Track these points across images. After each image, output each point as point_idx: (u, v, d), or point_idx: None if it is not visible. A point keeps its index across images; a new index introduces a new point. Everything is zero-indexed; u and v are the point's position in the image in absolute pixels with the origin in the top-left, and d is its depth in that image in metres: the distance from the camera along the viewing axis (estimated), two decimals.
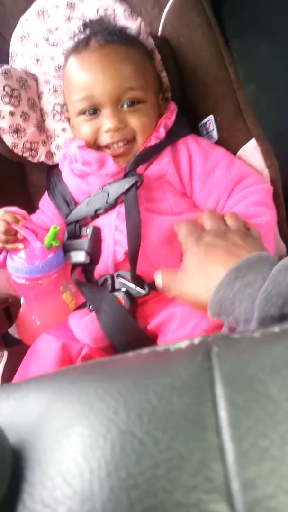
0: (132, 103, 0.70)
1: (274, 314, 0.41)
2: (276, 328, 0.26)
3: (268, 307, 0.41)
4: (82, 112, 0.71)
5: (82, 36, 0.76)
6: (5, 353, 0.71)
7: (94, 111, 0.71)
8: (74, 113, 0.73)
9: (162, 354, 0.26)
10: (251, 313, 0.43)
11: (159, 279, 0.58)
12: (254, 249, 0.52)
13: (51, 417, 0.23)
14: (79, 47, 0.72)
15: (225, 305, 0.46)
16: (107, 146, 0.71)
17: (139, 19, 0.80)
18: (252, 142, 0.74)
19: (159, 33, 0.82)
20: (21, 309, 0.73)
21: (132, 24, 0.80)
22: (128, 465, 0.19)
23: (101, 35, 0.71)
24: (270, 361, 0.22)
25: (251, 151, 0.74)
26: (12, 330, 0.76)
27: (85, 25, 0.77)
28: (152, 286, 0.66)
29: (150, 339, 0.66)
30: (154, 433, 0.20)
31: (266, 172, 0.74)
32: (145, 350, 0.27)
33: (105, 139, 0.71)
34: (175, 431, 0.20)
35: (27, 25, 0.82)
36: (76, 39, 0.77)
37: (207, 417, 0.20)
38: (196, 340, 0.26)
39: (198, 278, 0.52)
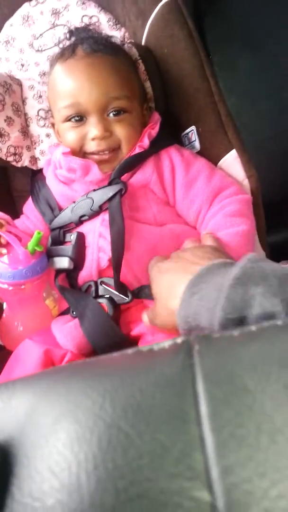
0: (118, 112, 0.71)
1: (233, 318, 0.42)
2: (253, 327, 0.27)
3: (226, 321, 0.42)
4: (68, 119, 0.72)
5: (67, 43, 0.77)
6: None
7: (80, 118, 0.71)
8: (60, 120, 0.73)
9: (147, 353, 0.27)
10: (211, 324, 0.44)
11: (145, 318, 0.61)
12: (207, 260, 0.54)
13: (38, 415, 0.24)
14: (65, 54, 0.73)
15: (190, 320, 0.47)
16: (92, 153, 0.72)
17: (123, 29, 0.82)
18: (233, 153, 0.76)
19: (143, 43, 0.83)
20: (4, 315, 0.73)
21: (116, 34, 0.81)
22: (115, 457, 0.20)
23: (87, 43, 0.72)
24: (248, 357, 0.24)
25: (232, 161, 0.76)
26: None
27: (71, 33, 0.78)
28: (135, 293, 0.67)
29: (132, 345, 0.67)
30: (139, 426, 0.21)
31: (246, 182, 0.76)
32: (130, 351, 0.29)
33: (91, 146, 0.71)
34: (158, 424, 0.21)
35: (11, 30, 0.83)
36: (61, 46, 0.78)
37: (188, 410, 0.21)
38: (179, 340, 0.27)
39: (165, 307, 0.54)
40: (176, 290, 0.51)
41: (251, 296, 0.41)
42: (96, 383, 0.24)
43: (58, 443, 0.21)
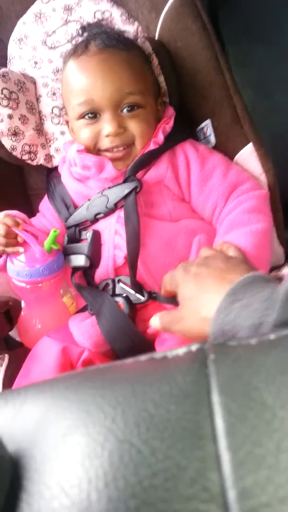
0: (132, 108, 0.70)
1: None
2: (271, 336, 0.26)
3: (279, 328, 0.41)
4: (82, 116, 0.72)
5: (80, 39, 0.76)
6: (6, 357, 0.71)
7: (94, 115, 0.71)
8: (74, 117, 0.73)
9: (160, 361, 0.26)
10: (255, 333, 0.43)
11: (156, 322, 0.58)
12: (240, 270, 0.53)
13: (49, 424, 0.23)
14: (78, 50, 0.72)
15: (226, 329, 0.46)
16: (107, 150, 0.72)
17: (136, 23, 0.81)
18: (249, 147, 0.75)
19: (156, 37, 0.82)
20: (22, 312, 0.74)
21: (129, 28, 0.80)
22: (126, 475, 0.19)
23: (100, 39, 0.71)
24: (265, 368, 0.22)
25: (248, 156, 0.75)
26: (13, 333, 0.76)
27: (83, 29, 0.77)
28: (151, 294, 0.67)
29: (149, 343, 0.67)
30: (152, 442, 0.20)
31: (263, 177, 0.75)
32: (143, 357, 0.28)
33: (105, 143, 0.71)
34: (172, 440, 0.20)
35: (24, 28, 0.82)
36: (74, 42, 0.77)
37: (203, 425, 0.20)
38: (194, 347, 0.26)
39: (196, 312, 0.52)
40: (212, 296, 0.49)
41: None
42: (107, 392, 0.24)
43: (69, 457, 0.21)
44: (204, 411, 0.21)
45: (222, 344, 0.26)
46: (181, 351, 0.27)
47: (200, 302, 0.52)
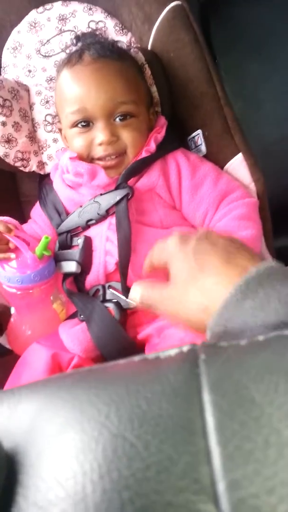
0: (124, 117, 0.71)
1: None
2: (261, 337, 0.27)
3: None
4: (75, 125, 0.73)
5: (74, 48, 0.77)
6: None
7: (87, 123, 0.72)
8: (67, 125, 0.74)
9: (153, 361, 0.27)
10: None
11: (136, 293, 0.47)
12: (248, 256, 0.42)
13: (44, 423, 0.24)
14: (72, 60, 0.73)
15: (230, 327, 0.38)
16: (100, 159, 0.73)
17: (129, 34, 0.82)
18: (239, 157, 0.76)
19: (149, 48, 0.84)
20: (12, 319, 0.74)
21: (123, 39, 0.82)
22: (120, 468, 0.19)
23: (94, 49, 0.72)
24: (255, 368, 0.23)
25: (238, 165, 0.76)
26: (2, 340, 0.76)
27: (77, 38, 0.78)
28: None
29: (139, 349, 0.68)
30: (145, 437, 0.20)
31: (252, 186, 0.76)
32: (136, 358, 0.28)
33: (98, 152, 0.72)
34: (165, 435, 0.20)
35: (19, 37, 0.83)
36: (68, 51, 0.78)
37: (194, 421, 0.21)
38: (185, 348, 0.27)
39: (192, 295, 0.42)
40: (217, 282, 0.40)
41: None
42: (101, 391, 0.24)
43: (64, 452, 0.21)
44: (195, 408, 0.21)
45: (213, 345, 0.27)
46: (173, 352, 0.27)
47: (201, 286, 0.41)
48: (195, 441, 0.20)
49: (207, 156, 0.80)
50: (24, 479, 0.21)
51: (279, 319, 0.35)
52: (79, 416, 0.23)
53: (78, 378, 0.28)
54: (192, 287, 0.42)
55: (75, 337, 0.68)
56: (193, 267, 0.43)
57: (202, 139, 0.80)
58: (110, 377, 0.26)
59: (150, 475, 0.19)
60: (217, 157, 0.78)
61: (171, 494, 0.18)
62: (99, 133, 0.71)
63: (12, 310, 0.73)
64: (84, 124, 0.72)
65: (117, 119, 0.71)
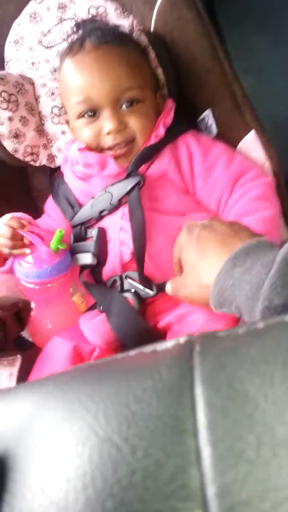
0: (131, 103, 0.70)
1: (278, 304, 0.40)
2: (260, 324, 0.25)
3: (272, 296, 0.40)
4: (81, 115, 0.72)
5: (75, 36, 0.76)
6: (19, 358, 0.72)
7: (93, 113, 0.71)
8: (73, 116, 0.73)
9: (149, 355, 0.26)
10: (253, 301, 0.42)
11: (168, 287, 0.58)
12: (244, 235, 0.51)
13: (35, 422, 0.23)
14: (74, 49, 0.72)
15: (226, 294, 0.45)
16: (109, 148, 0.72)
17: (130, 17, 0.80)
18: (251, 135, 0.74)
19: (151, 30, 0.81)
20: (32, 313, 0.74)
21: (124, 22, 0.80)
22: (105, 474, 0.19)
23: (95, 35, 0.71)
24: (250, 357, 0.22)
25: (251, 143, 0.74)
26: (25, 334, 0.77)
27: (77, 26, 0.77)
28: (160, 287, 0.67)
29: (160, 338, 0.67)
30: (132, 440, 0.19)
31: (267, 164, 0.74)
32: (132, 352, 0.27)
33: (107, 141, 0.71)
34: (153, 437, 0.19)
35: (20, 29, 0.82)
36: (69, 40, 0.77)
37: (185, 419, 0.20)
38: (182, 340, 0.26)
39: (198, 278, 0.51)
40: (214, 262, 0.48)
41: None
42: (91, 389, 0.23)
43: (50, 455, 0.21)
44: (187, 405, 0.20)
45: (210, 335, 0.26)
46: (170, 343, 0.26)
47: (201, 268, 0.50)
48: (185, 441, 0.19)
49: (218, 136, 0.78)
50: (11, 486, 0.20)
51: (262, 278, 0.42)
52: (69, 416, 0.22)
53: (75, 375, 0.27)
54: (196, 271, 0.51)
55: (95, 328, 0.68)
56: (196, 254, 0.52)
57: (212, 120, 0.78)
58: (104, 373, 0.26)
59: (136, 481, 0.18)
60: (229, 137, 0.76)
61: (157, 502, 0.17)
62: (107, 122, 0.69)
63: (32, 305, 0.74)
64: (90, 114, 0.71)
65: (124, 106, 0.70)
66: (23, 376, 0.70)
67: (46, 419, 0.22)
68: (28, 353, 0.74)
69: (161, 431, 0.19)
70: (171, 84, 0.80)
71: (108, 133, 0.70)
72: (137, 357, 0.26)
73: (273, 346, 0.22)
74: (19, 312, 0.74)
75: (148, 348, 0.26)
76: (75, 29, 0.76)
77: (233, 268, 0.45)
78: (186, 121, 0.77)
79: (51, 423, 0.22)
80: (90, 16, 0.80)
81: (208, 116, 0.77)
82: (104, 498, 0.18)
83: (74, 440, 0.20)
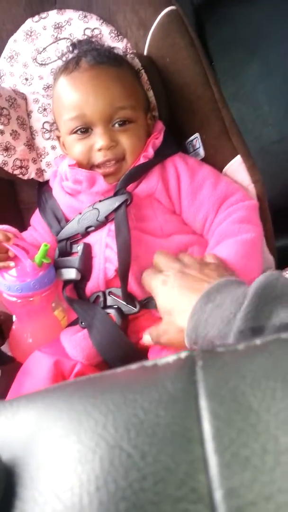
0: (123, 122, 0.71)
1: (253, 329, 0.44)
2: (258, 341, 0.27)
3: (244, 327, 0.44)
4: (74, 131, 0.73)
5: (70, 55, 0.77)
6: None
7: (85, 130, 0.72)
8: (66, 132, 0.74)
9: (151, 369, 0.27)
10: (225, 334, 0.46)
11: (148, 338, 0.62)
12: (216, 275, 0.56)
13: (42, 433, 0.24)
14: (69, 67, 0.74)
15: (200, 329, 0.49)
16: (99, 165, 0.73)
17: (125, 40, 0.82)
18: (237, 159, 0.76)
19: (145, 53, 0.84)
20: (13, 327, 0.73)
21: (119, 45, 0.82)
22: (117, 479, 0.19)
23: (90, 55, 0.73)
24: (251, 373, 0.23)
25: (237, 167, 0.76)
26: (5, 348, 0.76)
27: (73, 45, 0.79)
28: (143, 303, 0.67)
29: (142, 354, 0.67)
30: (142, 447, 0.20)
31: (251, 187, 0.76)
32: (133, 366, 0.28)
33: (98, 157, 0.72)
34: (162, 444, 0.20)
35: (15, 46, 0.84)
36: (64, 59, 0.79)
37: (192, 429, 0.21)
38: (183, 355, 0.27)
39: (174, 324, 0.55)
40: (186, 306, 0.52)
41: (271, 307, 0.43)
42: (98, 401, 0.24)
43: (61, 463, 0.21)
44: (192, 416, 0.21)
45: (211, 351, 0.27)
46: (171, 358, 0.27)
47: (177, 314, 0.55)
48: (192, 449, 0.20)
49: (205, 159, 0.79)
50: (22, 492, 0.21)
51: (232, 312, 0.45)
52: (77, 427, 0.22)
53: (75, 387, 0.28)
54: (172, 317, 0.56)
55: (77, 344, 0.68)
56: (169, 302, 0.57)
57: (200, 142, 0.80)
58: (107, 386, 0.26)
59: (147, 486, 0.19)
60: (216, 160, 0.78)
61: (168, 504, 0.18)
62: (98, 139, 0.71)
63: (14, 318, 0.73)
64: (83, 130, 0.72)
65: (116, 125, 0.71)
66: (1, 390, 0.69)
67: (52, 429, 0.23)
68: (8, 368, 0.73)
69: (169, 439, 0.20)
70: (161, 106, 0.82)
71: (99, 150, 0.71)
72: (138, 371, 0.27)
73: (273, 362, 0.23)
74: (0, 325, 0.73)
75: (149, 363, 0.28)
76: (71, 48, 0.78)
77: (206, 304, 0.49)
78: (175, 143, 0.79)
79: (58, 433, 0.23)
80: (85, 37, 0.82)
81: (196, 138, 0.79)
82: (117, 501, 0.18)
83: (84, 448, 0.21)
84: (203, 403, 0.22)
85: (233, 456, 0.19)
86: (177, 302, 0.55)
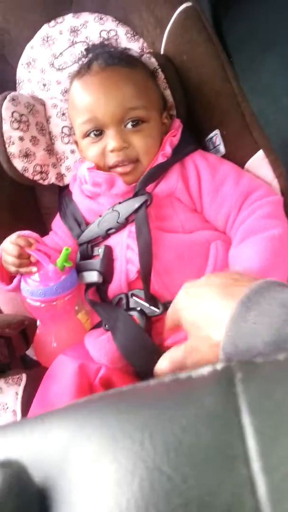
0: (136, 123, 0.71)
1: None
2: None
3: None
4: (87, 134, 0.73)
5: (85, 60, 0.78)
6: (24, 376, 0.71)
7: (99, 132, 0.72)
8: (80, 136, 0.74)
9: (185, 382, 0.26)
10: (271, 343, 0.38)
11: (164, 364, 0.50)
12: (247, 280, 0.45)
13: (75, 452, 0.23)
14: (81, 71, 0.74)
15: (241, 341, 0.40)
16: (114, 166, 0.72)
17: (141, 40, 0.82)
18: (260, 154, 0.74)
19: (161, 52, 0.83)
20: (38, 331, 0.74)
21: (135, 45, 0.81)
22: (158, 504, 0.18)
23: (102, 58, 0.73)
24: None
25: (259, 162, 0.74)
26: (30, 352, 0.76)
27: (87, 50, 0.79)
28: (166, 305, 0.66)
29: None
30: (182, 469, 0.19)
31: (275, 182, 0.74)
32: (167, 378, 0.27)
33: (111, 158, 0.72)
34: (204, 466, 0.19)
35: (32, 52, 0.85)
36: (80, 63, 0.79)
37: (234, 447, 0.19)
38: (219, 366, 0.25)
39: (205, 336, 0.44)
40: (220, 316, 0.42)
41: None
42: (132, 416, 0.23)
43: (98, 485, 0.20)
44: (235, 433, 0.20)
45: (250, 362, 0.25)
46: (205, 370, 0.25)
47: (209, 325, 0.44)
48: (237, 470, 0.19)
49: (226, 156, 0.78)
50: None
51: (282, 319, 0.37)
52: (112, 445, 0.21)
53: (108, 402, 0.26)
54: (201, 330, 0.45)
55: (101, 347, 0.67)
56: (197, 313, 0.46)
57: (221, 139, 0.78)
58: (141, 401, 0.25)
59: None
60: (237, 156, 0.76)
61: None
62: (111, 140, 0.70)
63: (38, 323, 0.73)
64: (96, 133, 0.72)
65: (129, 125, 0.71)
66: (27, 395, 0.69)
67: (87, 448, 0.22)
68: (33, 372, 0.73)
69: (211, 459, 0.19)
70: (179, 105, 0.81)
71: (112, 151, 0.71)
72: (172, 384, 0.26)
73: None
74: (25, 330, 0.74)
75: (183, 375, 0.26)
76: (85, 53, 0.78)
77: (248, 311, 0.40)
78: (193, 140, 0.78)
79: (93, 451, 0.22)
80: (101, 39, 0.82)
81: (216, 135, 0.78)
82: None
83: (122, 470, 0.20)
84: (246, 419, 0.20)
85: (283, 477, 0.17)
86: (208, 312, 0.45)
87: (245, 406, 0.21)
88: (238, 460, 0.19)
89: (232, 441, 0.20)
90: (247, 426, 0.20)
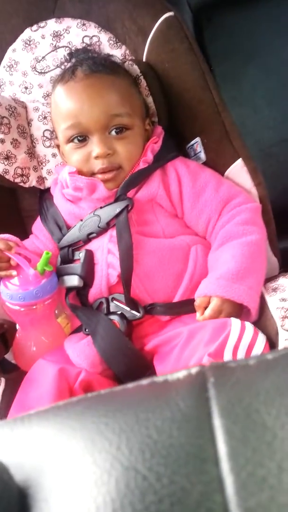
0: (120, 130, 0.72)
1: None
2: (269, 355, 0.26)
3: None
4: (71, 140, 0.73)
5: (68, 64, 0.78)
6: (3, 380, 0.70)
7: (83, 138, 0.72)
8: (63, 141, 0.74)
9: (161, 385, 0.27)
10: None
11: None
12: None
13: (55, 453, 0.23)
14: (65, 76, 0.74)
15: None
16: (98, 172, 0.73)
17: (123, 47, 0.82)
18: (239, 162, 0.76)
19: (144, 59, 0.84)
20: (17, 335, 0.73)
21: (117, 52, 0.82)
22: (133, 501, 0.19)
23: (86, 65, 0.73)
24: (264, 390, 0.23)
25: (238, 170, 0.76)
26: (9, 356, 0.75)
27: (70, 55, 0.79)
28: (147, 309, 0.67)
29: (147, 360, 0.67)
30: (157, 468, 0.20)
31: (254, 190, 0.76)
32: (144, 381, 0.28)
33: (96, 165, 0.72)
34: (177, 466, 0.20)
35: (14, 55, 0.84)
36: (63, 67, 0.79)
37: (206, 449, 0.20)
38: (193, 370, 0.26)
39: None
40: None
41: None
42: (110, 419, 0.24)
43: (76, 485, 0.21)
44: (206, 435, 0.21)
45: (221, 366, 0.27)
46: (181, 374, 0.27)
47: None
48: (208, 470, 0.20)
49: (207, 163, 0.79)
50: None
51: None
52: (91, 447, 0.22)
53: (87, 404, 0.27)
54: None
55: (81, 351, 0.67)
56: None
57: (201, 146, 0.79)
58: (119, 404, 0.26)
59: (164, 508, 0.19)
60: (217, 163, 0.78)
61: None
62: (95, 147, 0.71)
63: (17, 326, 0.73)
64: (80, 138, 0.72)
65: (113, 132, 0.72)
66: (6, 399, 0.69)
67: (66, 449, 0.23)
68: (11, 376, 0.72)
69: (184, 460, 0.20)
70: (161, 112, 0.82)
71: (97, 157, 0.71)
72: (149, 386, 0.27)
73: (284, 379, 0.23)
74: (4, 333, 0.73)
75: (159, 378, 0.27)
76: (68, 57, 0.79)
77: None
78: (175, 147, 0.79)
79: (71, 453, 0.23)
80: (84, 44, 0.82)
81: (197, 143, 0.79)
82: None
83: (99, 470, 0.21)
84: (217, 422, 0.22)
85: (249, 475, 0.19)
86: None
87: (217, 409, 0.22)
88: (209, 461, 0.20)
89: (204, 443, 0.21)
90: (218, 428, 0.21)
